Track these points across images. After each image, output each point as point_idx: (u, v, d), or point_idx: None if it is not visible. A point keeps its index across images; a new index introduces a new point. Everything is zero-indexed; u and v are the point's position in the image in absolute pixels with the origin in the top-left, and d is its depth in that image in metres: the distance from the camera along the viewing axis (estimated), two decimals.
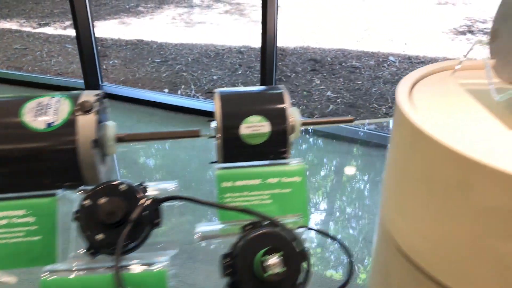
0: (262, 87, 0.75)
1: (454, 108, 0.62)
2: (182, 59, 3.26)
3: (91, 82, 2.68)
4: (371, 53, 3.35)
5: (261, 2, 2.10)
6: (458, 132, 0.55)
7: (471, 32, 3.75)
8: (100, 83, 2.73)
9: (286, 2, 4.66)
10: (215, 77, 2.96)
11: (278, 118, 0.70)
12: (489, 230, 0.50)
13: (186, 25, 4.05)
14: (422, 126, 0.54)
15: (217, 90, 0.72)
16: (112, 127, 0.69)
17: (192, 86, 2.84)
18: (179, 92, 2.78)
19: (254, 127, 0.69)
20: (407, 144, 0.59)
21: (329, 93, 2.77)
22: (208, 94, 2.74)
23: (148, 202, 0.56)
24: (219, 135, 0.69)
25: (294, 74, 3.01)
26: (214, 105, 0.70)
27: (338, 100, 2.68)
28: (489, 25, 4.13)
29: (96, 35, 3.83)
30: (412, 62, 3.19)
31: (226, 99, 0.70)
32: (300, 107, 2.62)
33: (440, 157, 0.51)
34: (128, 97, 2.61)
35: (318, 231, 0.69)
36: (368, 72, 3.04)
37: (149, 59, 3.25)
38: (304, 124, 0.76)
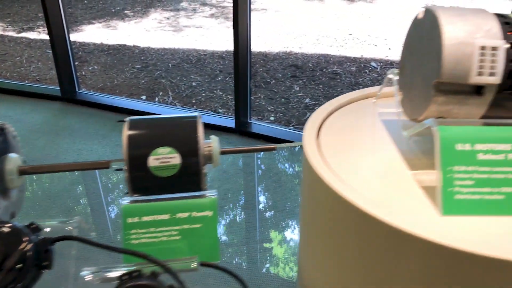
0: (176, 115, 0.73)
1: (362, 147, 0.60)
2: (163, 65, 3.23)
3: (67, 89, 2.66)
4: (353, 58, 3.32)
5: (232, 6, 2.07)
6: (360, 180, 0.53)
7: None
8: (77, 90, 2.71)
9: (273, 6, 4.64)
10: (194, 84, 2.94)
11: (189, 149, 0.68)
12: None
13: (171, 29, 4.02)
14: (324, 175, 0.51)
15: (128, 118, 0.70)
16: (14, 160, 0.66)
17: (170, 93, 2.81)
18: (156, 99, 2.76)
19: (164, 159, 0.67)
20: (312, 192, 0.57)
21: (307, 100, 2.75)
22: (186, 101, 2.71)
23: (30, 246, 0.54)
24: (126, 167, 0.66)
25: (274, 81, 2.98)
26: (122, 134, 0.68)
27: (316, 108, 2.66)
28: None
29: (79, 40, 3.82)
30: (394, 68, 3.17)
31: (134, 128, 0.68)
32: (278, 115, 2.60)
33: (342, 211, 0.49)
34: (104, 105, 2.59)
35: (219, 268, 0.66)
36: (349, 78, 3.01)
37: (130, 65, 3.22)
38: (223, 152, 0.73)
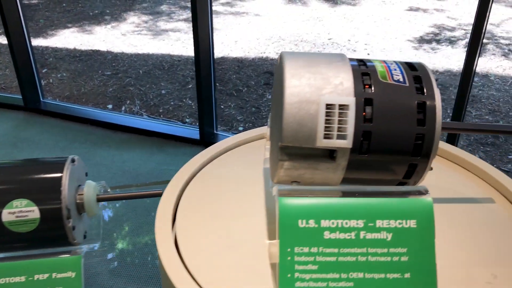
0: (43, 159, 0.65)
1: (227, 216, 0.53)
2: (134, 71, 3.15)
3: (30, 98, 2.57)
4: None
5: (191, 10, 1.99)
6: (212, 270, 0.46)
7: (437, 40, 3.65)
8: (41, 99, 2.63)
9: (254, 9, 4.56)
10: (163, 92, 2.86)
11: (49, 201, 0.60)
12: None
13: (148, 33, 3.94)
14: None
15: None
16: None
17: (138, 102, 2.73)
18: (123, 108, 2.68)
19: (20, 212, 0.59)
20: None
21: None
22: (154, 111, 2.64)
23: None
24: None
25: (246, 88, 2.91)
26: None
27: None
28: (457, 33, 4.05)
29: (52, 45, 3.73)
30: None
31: None
32: (247, 125, 2.52)
33: None
34: (68, 115, 2.50)
35: None
36: None
37: (100, 71, 3.14)
38: (100, 199, 0.66)
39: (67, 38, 3.79)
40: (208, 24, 2.10)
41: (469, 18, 4.18)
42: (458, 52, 3.41)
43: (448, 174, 0.62)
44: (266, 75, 3.09)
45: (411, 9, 4.49)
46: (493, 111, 2.60)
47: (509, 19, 4.16)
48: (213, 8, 4.66)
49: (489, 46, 3.51)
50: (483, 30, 1.66)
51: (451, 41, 3.63)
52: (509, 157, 2.21)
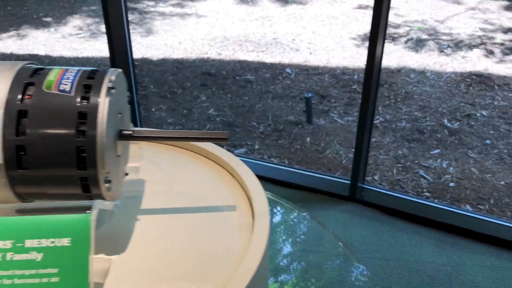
0: None
1: None
2: None
3: None
4: (270, 64, 3.23)
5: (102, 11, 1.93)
6: None
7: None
8: None
9: (202, 10, 4.52)
10: None
11: None
12: None
13: (90, 36, 3.85)
14: None
15: None
16: None
17: None
18: None
19: None
20: None
21: (211, 110, 2.64)
22: None
23: None
24: None
25: (181, 90, 2.86)
26: None
27: (218, 119, 2.55)
28: (401, 30, 4.09)
29: None
30: (309, 74, 3.09)
31: None
32: (177, 128, 2.48)
33: None
34: None
35: None
36: (260, 86, 2.92)
37: None
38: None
39: (5, 43, 3.68)
40: (124, 26, 2.04)
41: (416, 15, 4.22)
42: (398, 49, 3.44)
43: (207, 177, 0.58)
44: (204, 76, 3.05)
45: (360, 7, 4.51)
46: (423, 107, 2.62)
47: (454, 15, 4.21)
48: (162, 9, 4.60)
49: (430, 43, 3.54)
50: (383, 23, 1.66)
51: (394, 38, 3.66)
52: (431, 152, 2.22)
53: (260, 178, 2.03)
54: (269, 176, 2.01)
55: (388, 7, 1.69)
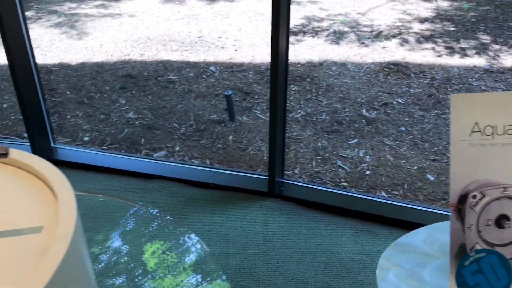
0: None
1: None
2: None
3: None
4: (194, 63, 3.18)
5: None
6: None
7: (304, 32, 3.72)
8: None
9: (129, 10, 4.37)
10: (5, 106, 2.62)
11: None
12: None
13: None
14: None
15: None
16: None
17: None
18: None
19: None
20: None
21: (130, 114, 2.54)
22: None
23: None
24: None
25: (99, 94, 2.74)
26: None
27: (137, 122, 2.47)
28: (324, 23, 4.16)
29: None
30: (233, 71, 3.07)
31: None
32: (93, 134, 2.37)
33: None
34: None
35: None
36: (184, 86, 2.86)
37: None
38: None
39: None
40: (22, 32, 1.91)
41: (340, 8, 4.32)
42: (321, 43, 3.49)
43: (19, 192, 0.53)
44: (124, 79, 2.94)
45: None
46: (343, 98, 2.67)
47: (376, 7, 4.35)
48: (86, 11, 4.41)
49: (351, 35, 3.63)
50: (284, 17, 1.65)
51: (317, 32, 3.71)
52: (349, 142, 2.26)
53: (177, 180, 1.97)
54: (187, 178, 1.96)
55: (289, 2, 1.69)
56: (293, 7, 4.40)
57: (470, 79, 2.92)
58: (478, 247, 0.57)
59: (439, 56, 3.24)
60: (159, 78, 2.95)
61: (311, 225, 1.78)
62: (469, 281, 0.58)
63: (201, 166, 2.11)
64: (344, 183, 2.01)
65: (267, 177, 1.93)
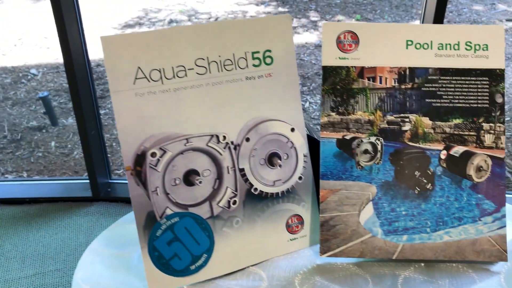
0: None
1: None
2: None
3: None
4: (12, 68, 2.81)
5: None
6: None
7: (140, 24, 3.54)
8: None
9: None
10: None
11: None
12: None
13: None
14: None
15: None
16: None
17: None
18: None
19: None
20: None
21: None
22: None
23: None
24: None
25: None
26: None
27: None
28: (163, 14, 4.04)
29: None
30: (59, 71, 2.78)
31: None
32: None
33: None
34: None
35: None
36: None
37: None
38: None
39: None
40: None
41: None
42: None
43: None
44: None
45: None
46: None
47: None
48: None
49: (188, 24, 3.55)
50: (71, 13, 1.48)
51: (154, 23, 3.56)
52: None
53: None
54: None
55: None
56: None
57: (302, 55, 3.03)
58: (169, 212, 0.49)
59: None
60: None
61: None
62: (165, 254, 0.49)
63: (15, 181, 1.85)
64: None
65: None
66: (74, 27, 1.54)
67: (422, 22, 1.37)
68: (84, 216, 1.69)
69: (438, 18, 1.31)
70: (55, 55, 3.00)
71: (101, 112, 2.33)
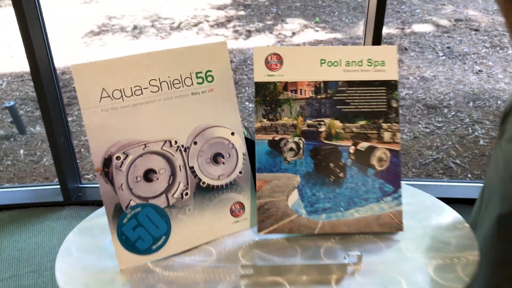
0: None
1: None
2: None
3: None
4: None
5: None
6: None
7: (106, 31, 3.60)
8: None
9: None
10: None
11: None
12: None
13: None
14: None
15: None
16: None
17: None
18: None
19: None
20: None
21: None
22: None
23: None
24: None
25: None
26: None
27: None
28: (127, 20, 4.11)
29: None
30: (24, 80, 2.82)
31: None
32: None
33: None
34: None
35: None
36: None
37: None
38: None
39: None
40: None
41: (143, 3, 4.28)
42: (122, 40, 3.43)
43: None
44: None
45: (85, 2, 4.34)
46: None
47: None
48: None
49: (152, 29, 3.64)
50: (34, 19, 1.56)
51: (121, 29, 3.63)
52: None
53: None
54: None
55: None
56: (93, 6, 4.21)
57: None
58: (132, 203, 0.61)
59: (236, 39, 3.45)
60: None
61: None
62: (131, 237, 0.62)
63: None
64: None
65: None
66: (39, 36, 1.61)
67: (366, 20, 1.54)
68: (56, 220, 1.77)
69: (379, 17, 1.48)
70: (19, 64, 3.03)
71: (69, 119, 2.40)
